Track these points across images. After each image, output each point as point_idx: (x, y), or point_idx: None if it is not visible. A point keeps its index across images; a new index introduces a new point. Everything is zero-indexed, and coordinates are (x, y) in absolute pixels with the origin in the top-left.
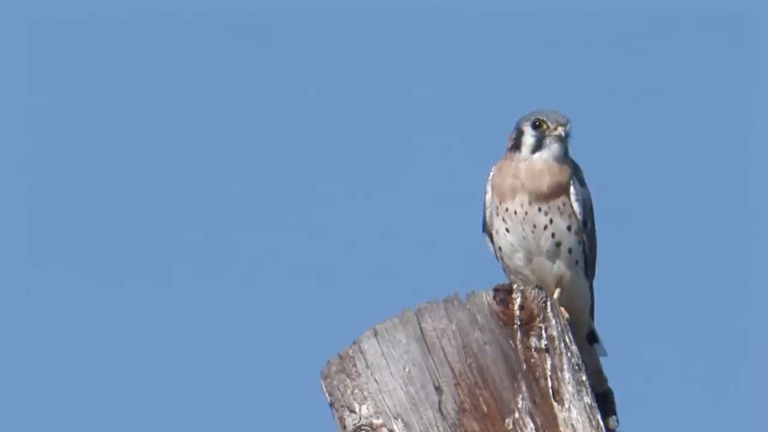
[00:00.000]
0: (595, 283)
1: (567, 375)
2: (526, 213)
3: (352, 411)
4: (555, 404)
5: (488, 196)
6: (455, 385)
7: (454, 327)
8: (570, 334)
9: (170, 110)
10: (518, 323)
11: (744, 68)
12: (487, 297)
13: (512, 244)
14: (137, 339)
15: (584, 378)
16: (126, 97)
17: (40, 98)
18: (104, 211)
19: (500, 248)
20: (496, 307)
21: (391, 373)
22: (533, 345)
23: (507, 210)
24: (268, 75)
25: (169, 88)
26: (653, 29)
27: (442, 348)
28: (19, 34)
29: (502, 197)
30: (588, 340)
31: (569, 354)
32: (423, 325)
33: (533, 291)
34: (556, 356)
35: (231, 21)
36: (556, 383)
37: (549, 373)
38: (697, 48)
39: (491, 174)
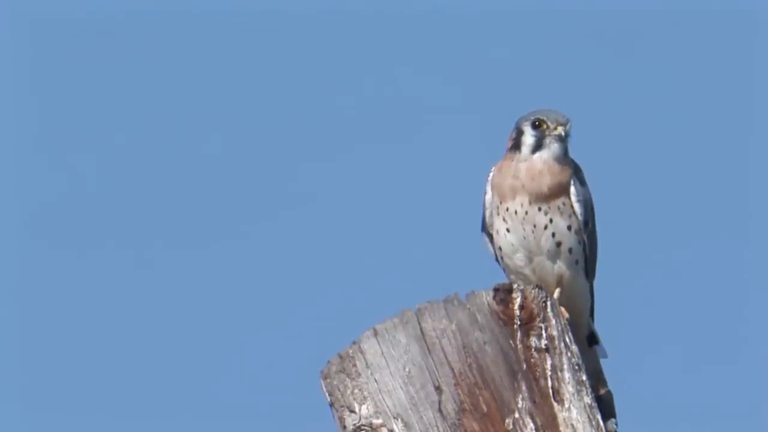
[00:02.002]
0: (595, 284)
1: (567, 375)
2: (526, 212)
3: (352, 411)
4: (555, 404)
5: (488, 197)
6: (455, 385)
7: (454, 327)
8: (570, 333)
9: (170, 107)
10: (518, 323)
11: (745, 68)
12: (487, 297)
13: (512, 244)
14: (137, 338)
15: (584, 378)
16: (120, 96)
17: (40, 97)
18: (106, 208)
19: (500, 248)
20: (496, 307)
21: (390, 373)
22: (533, 345)
23: (507, 210)
24: (268, 74)
25: (164, 87)
26: (654, 29)
27: (442, 348)
28: (19, 34)
29: (502, 197)
30: (588, 341)
31: (569, 354)
32: (423, 325)
33: (533, 291)
34: (556, 356)
35: (226, 20)
36: (556, 383)
37: (549, 372)
38: (698, 47)
39: (491, 174)
